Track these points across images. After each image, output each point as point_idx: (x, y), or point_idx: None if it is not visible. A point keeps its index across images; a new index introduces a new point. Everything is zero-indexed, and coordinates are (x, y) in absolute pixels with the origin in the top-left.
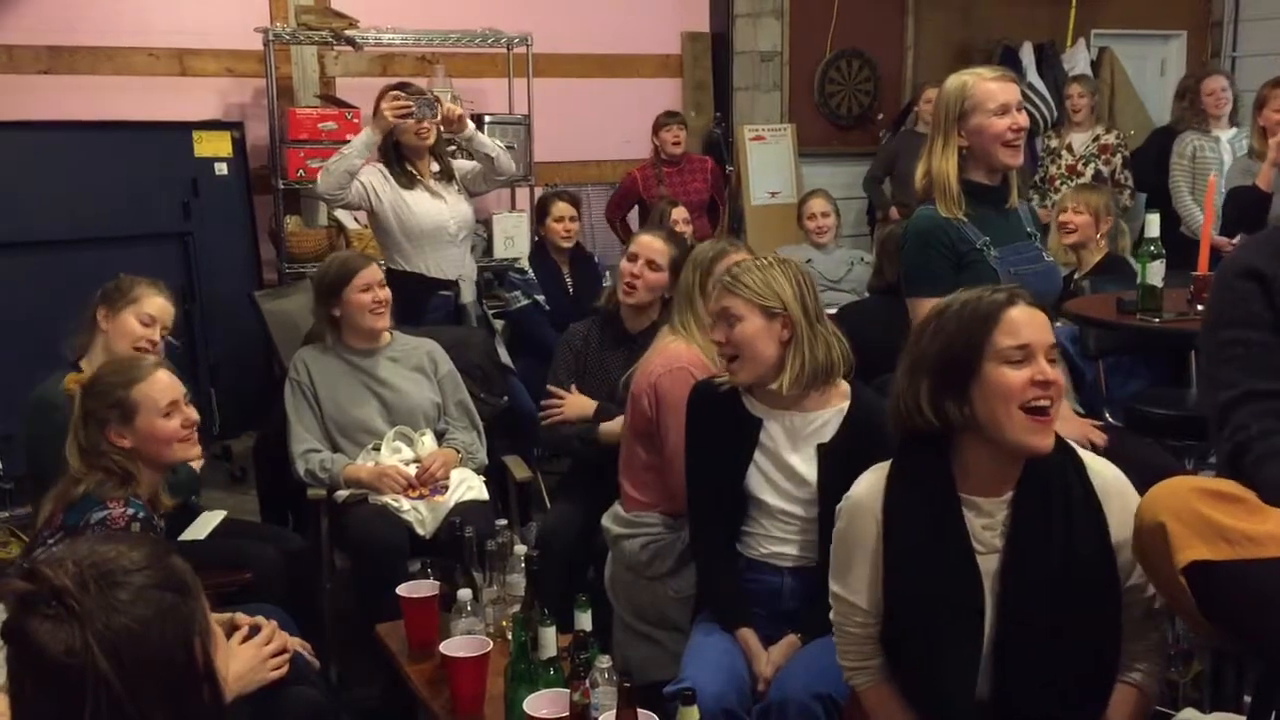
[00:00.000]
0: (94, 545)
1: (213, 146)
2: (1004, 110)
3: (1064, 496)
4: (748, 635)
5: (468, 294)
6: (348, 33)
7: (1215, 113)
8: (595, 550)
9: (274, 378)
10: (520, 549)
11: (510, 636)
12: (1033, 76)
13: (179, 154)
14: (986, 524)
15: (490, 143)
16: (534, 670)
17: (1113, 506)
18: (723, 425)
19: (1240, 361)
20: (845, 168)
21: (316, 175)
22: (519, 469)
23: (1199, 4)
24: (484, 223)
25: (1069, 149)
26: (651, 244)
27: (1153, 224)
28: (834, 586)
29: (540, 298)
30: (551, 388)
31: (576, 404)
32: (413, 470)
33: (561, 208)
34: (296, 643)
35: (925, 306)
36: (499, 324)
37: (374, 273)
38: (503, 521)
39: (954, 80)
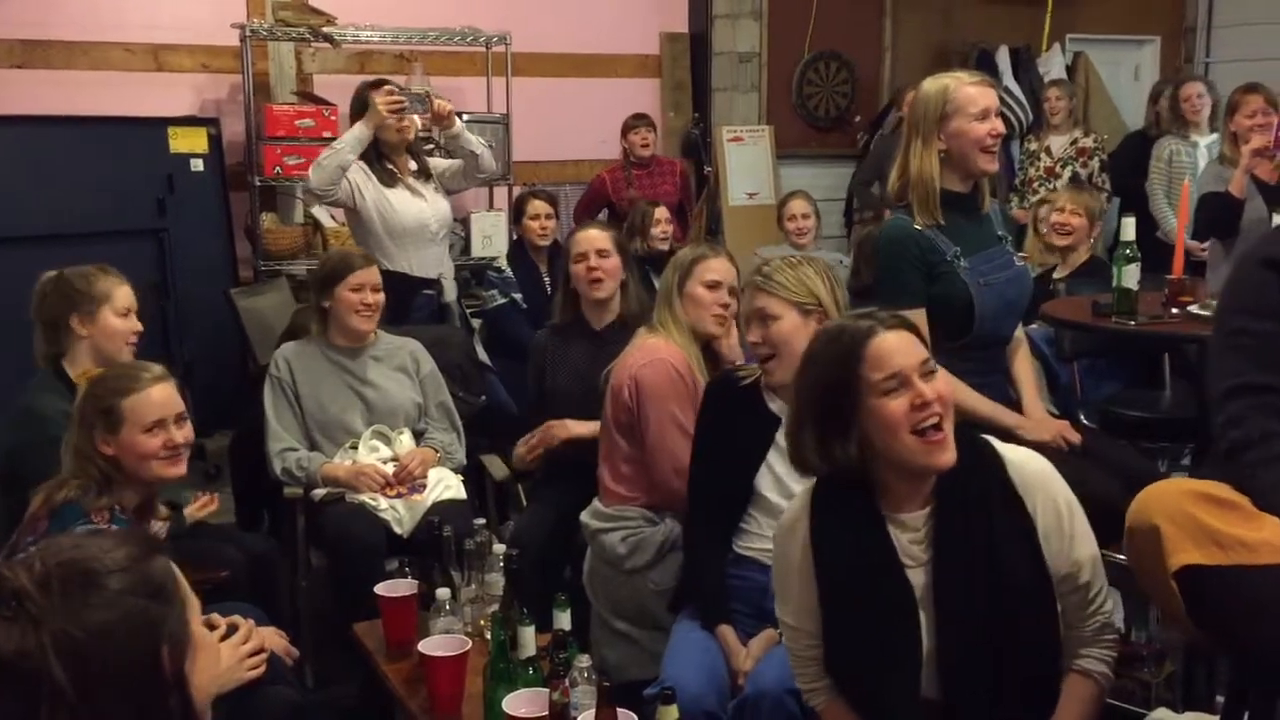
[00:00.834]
0: (76, 543)
1: (188, 142)
2: (984, 115)
3: (982, 498)
4: (726, 632)
5: (450, 292)
6: (325, 29)
7: (1192, 118)
8: (573, 550)
9: (249, 375)
10: (499, 548)
11: (489, 636)
12: (1009, 80)
13: (154, 150)
14: (912, 538)
15: (475, 140)
16: (513, 669)
17: (1036, 498)
18: (739, 419)
19: (1246, 351)
20: (823, 169)
21: (293, 173)
22: (497, 468)
23: (1173, 10)
24: (461, 221)
25: (1047, 151)
26: (591, 237)
27: (1128, 227)
28: (779, 612)
29: (518, 296)
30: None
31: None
32: (390, 469)
33: (537, 206)
34: (273, 634)
35: None
36: (476, 323)
37: (370, 275)
38: (481, 521)
39: (934, 83)
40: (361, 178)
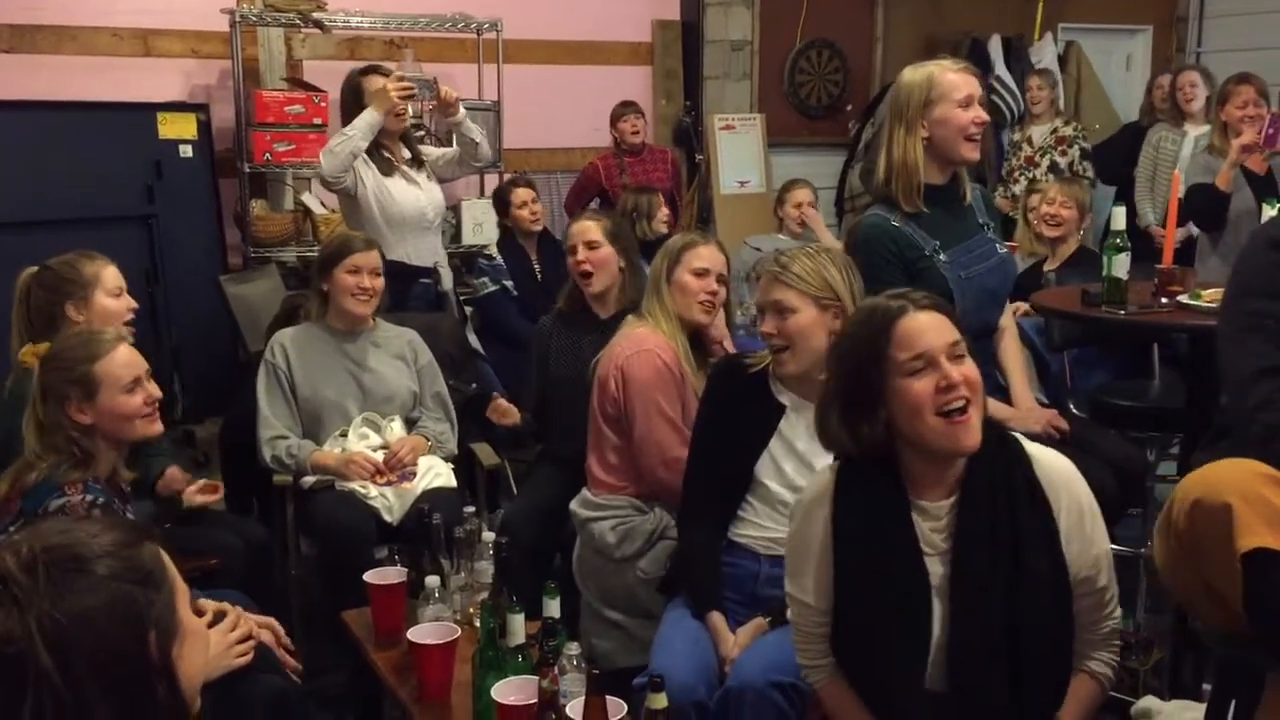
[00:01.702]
0: (63, 528)
1: (177, 128)
2: (968, 102)
3: (1008, 494)
4: (716, 619)
5: (447, 281)
6: (315, 15)
7: (1184, 106)
8: (563, 538)
9: (239, 362)
10: (488, 536)
11: (478, 624)
12: (1001, 69)
13: (143, 136)
14: (933, 526)
15: (476, 128)
16: (502, 657)
17: (1061, 498)
18: (744, 406)
19: (1267, 333)
20: (814, 158)
21: (283, 159)
22: (487, 456)
23: None
24: (453, 209)
25: (1029, 141)
26: (581, 228)
27: (1118, 217)
28: (789, 588)
29: (508, 283)
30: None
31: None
32: (380, 456)
33: (522, 194)
34: (262, 621)
35: None
36: (468, 310)
37: (369, 259)
38: (470, 508)
39: (917, 71)
40: (361, 166)
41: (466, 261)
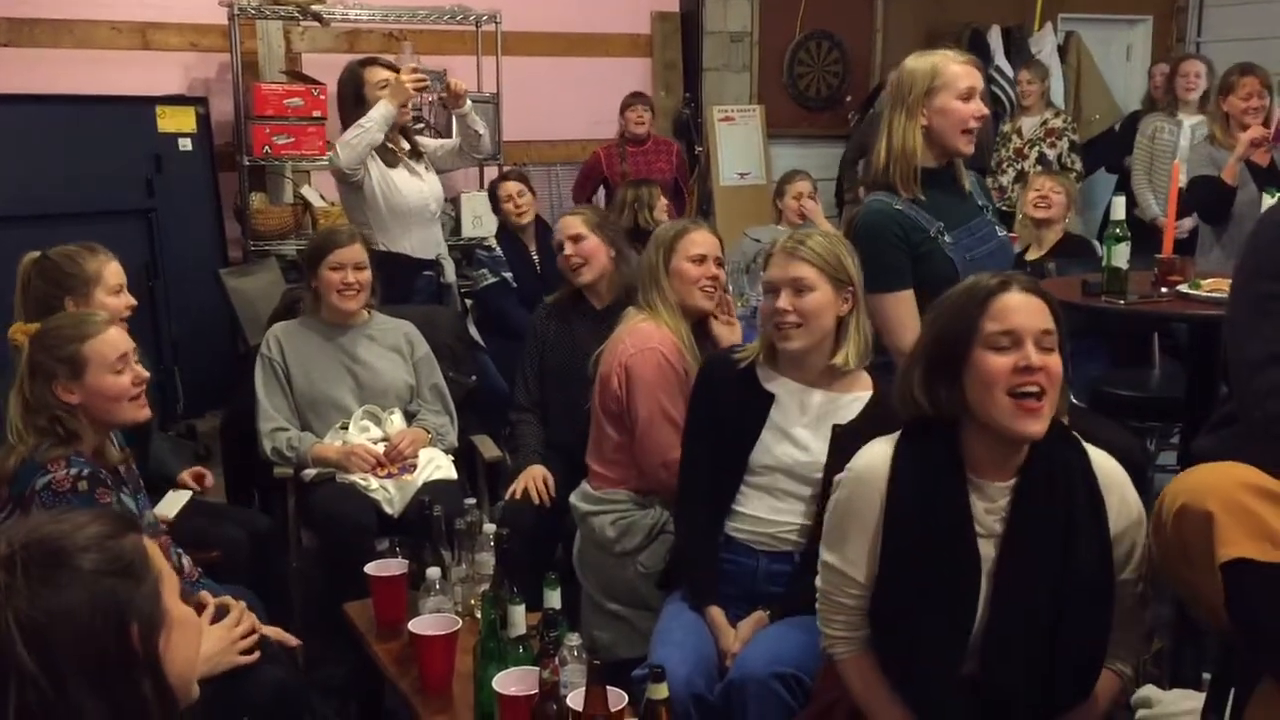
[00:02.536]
0: (46, 522)
1: (176, 122)
2: (969, 95)
3: (1067, 488)
4: (715, 613)
5: (450, 273)
6: (314, 8)
7: (1184, 95)
8: (563, 529)
9: (239, 356)
10: (489, 528)
11: (479, 615)
12: (1001, 60)
13: (142, 129)
14: (989, 507)
15: (479, 120)
16: (503, 648)
17: (1112, 501)
18: (734, 398)
19: (1275, 319)
20: (814, 149)
21: (282, 152)
22: (488, 448)
23: None
24: (452, 202)
25: (1018, 133)
26: (564, 224)
27: (1119, 207)
28: (827, 556)
29: (508, 275)
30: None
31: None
32: (381, 449)
33: (508, 187)
34: (272, 631)
35: (885, 302)
36: (468, 303)
37: (351, 253)
38: (471, 500)
39: (922, 60)
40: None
41: (466, 254)
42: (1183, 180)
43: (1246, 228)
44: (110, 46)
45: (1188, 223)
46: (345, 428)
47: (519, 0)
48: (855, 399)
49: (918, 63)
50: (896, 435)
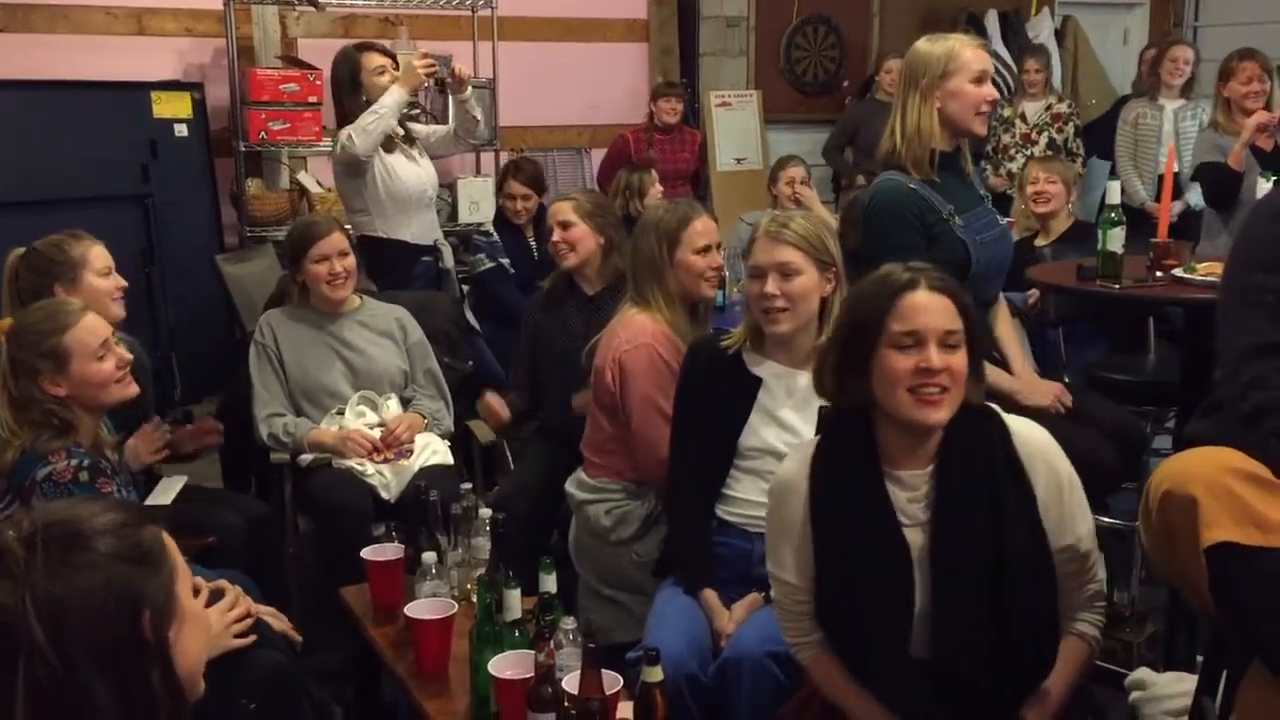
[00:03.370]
0: (67, 506)
1: (172, 107)
2: (982, 79)
3: (987, 465)
4: (710, 596)
5: (449, 258)
6: None
7: (1168, 79)
8: (559, 513)
9: (235, 342)
10: (485, 512)
11: (475, 599)
12: (998, 45)
13: (137, 115)
14: (911, 496)
15: (477, 106)
16: (499, 632)
17: (1038, 468)
18: (720, 384)
19: (1269, 309)
20: (811, 134)
21: (278, 138)
22: (484, 433)
23: None
24: (448, 187)
25: (1022, 118)
26: (555, 209)
27: (1113, 191)
28: (770, 567)
29: (505, 261)
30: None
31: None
32: (377, 434)
33: (515, 187)
34: (266, 611)
35: None
36: (464, 288)
37: (333, 242)
38: (467, 485)
39: (936, 43)
40: None
41: (463, 240)
42: (1177, 165)
43: None
44: (106, 32)
45: (1176, 206)
46: (341, 413)
47: None
48: None
49: (932, 46)
50: (813, 441)
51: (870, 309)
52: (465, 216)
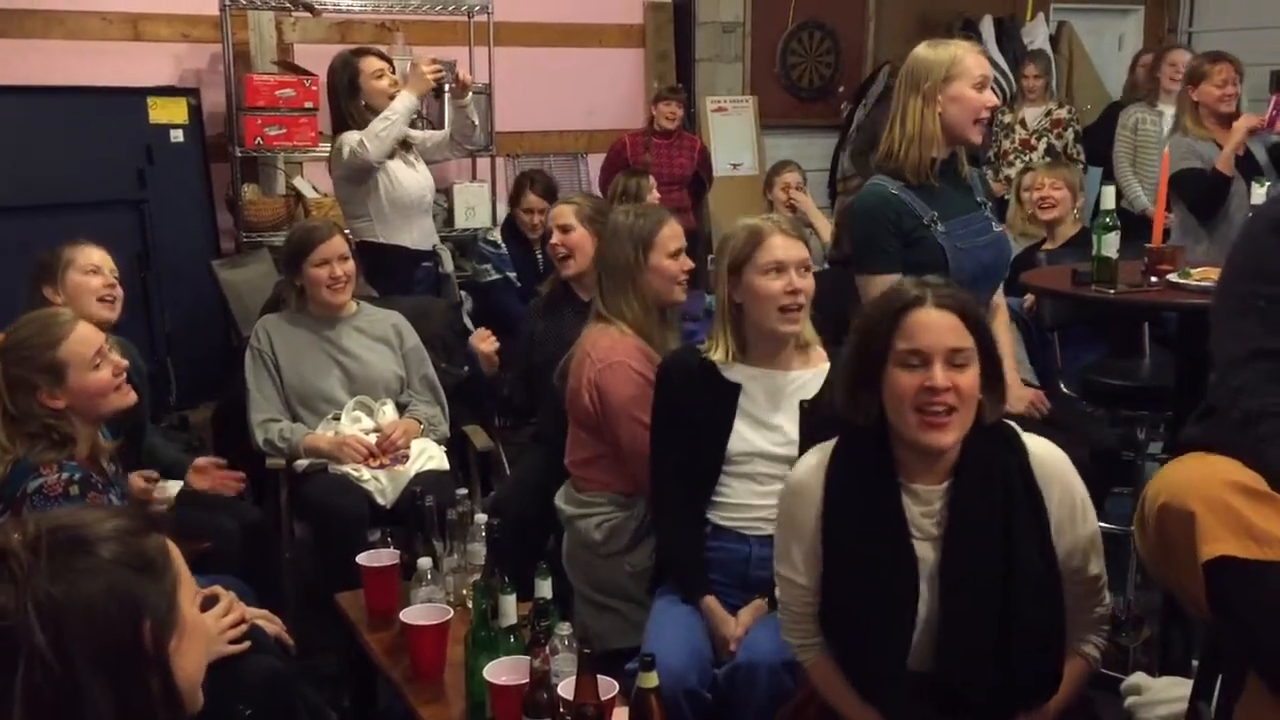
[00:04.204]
0: (73, 511)
1: (168, 113)
2: (982, 85)
3: (1003, 484)
4: (712, 603)
5: (448, 263)
6: None
7: (1168, 86)
8: (555, 519)
9: (232, 347)
10: (480, 518)
11: (470, 605)
12: (993, 50)
13: (133, 120)
14: (924, 510)
15: (475, 111)
16: (494, 638)
17: (1053, 490)
18: (699, 397)
19: (1257, 315)
20: (807, 140)
21: (274, 143)
22: (480, 439)
23: None
24: (445, 192)
25: (1022, 124)
26: (556, 212)
27: (1108, 196)
28: (778, 568)
29: (512, 275)
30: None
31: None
32: (373, 439)
33: (532, 200)
34: (260, 615)
35: (873, 284)
36: (462, 294)
37: (334, 246)
38: (463, 491)
39: (938, 48)
40: None
41: (460, 245)
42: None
43: (1236, 220)
44: (101, 37)
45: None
46: (337, 418)
47: None
48: (817, 373)
49: (934, 51)
50: (831, 444)
51: (878, 326)
52: (462, 221)
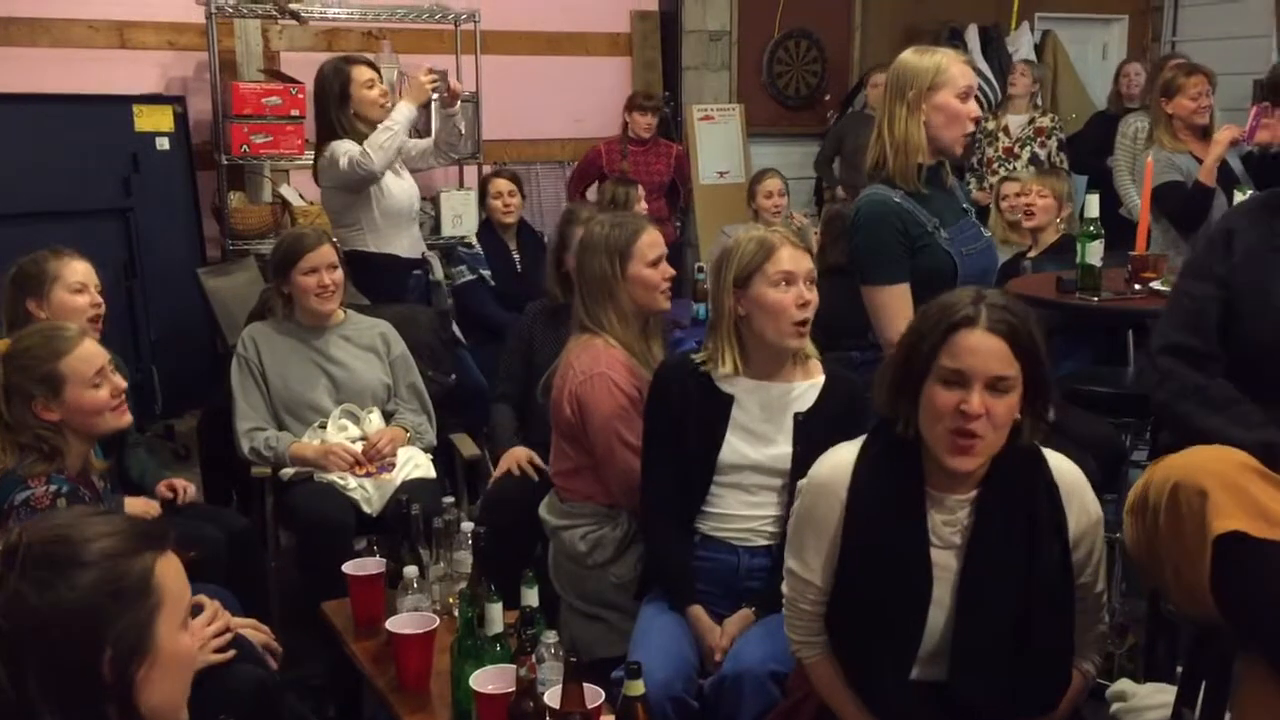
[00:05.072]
0: (68, 523)
1: (153, 121)
2: (967, 95)
3: (1028, 499)
4: (698, 612)
5: (438, 271)
6: (292, 6)
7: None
8: (541, 527)
9: (217, 356)
10: (467, 526)
11: (457, 613)
12: (978, 59)
13: (119, 128)
14: (947, 520)
15: (461, 120)
16: (480, 646)
17: (1072, 506)
18: (693, 405)
19: (1183, 311)
20: (793, 148)
21: (260, 151)
22: (466, 447)
23: None
24: (431, 200)
25: (1005, 131)
26: (575, 231)
27: (1092, 204)
28: (790, 563)
29: (486, 273)
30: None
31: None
32: (359, 448)
33: (499, 184)
34: (246, 623)
35: (882, 294)
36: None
37: (323, 255)
38: (449, 499)
39: (925, 56)
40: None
41: (446, 252)
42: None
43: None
44: (87, 45)
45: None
46: (323, 427)
47: None
48: (811, 385)
49: (920, 59)
50: (860, 442)
51: (925, 337)
52: (449, 229)
